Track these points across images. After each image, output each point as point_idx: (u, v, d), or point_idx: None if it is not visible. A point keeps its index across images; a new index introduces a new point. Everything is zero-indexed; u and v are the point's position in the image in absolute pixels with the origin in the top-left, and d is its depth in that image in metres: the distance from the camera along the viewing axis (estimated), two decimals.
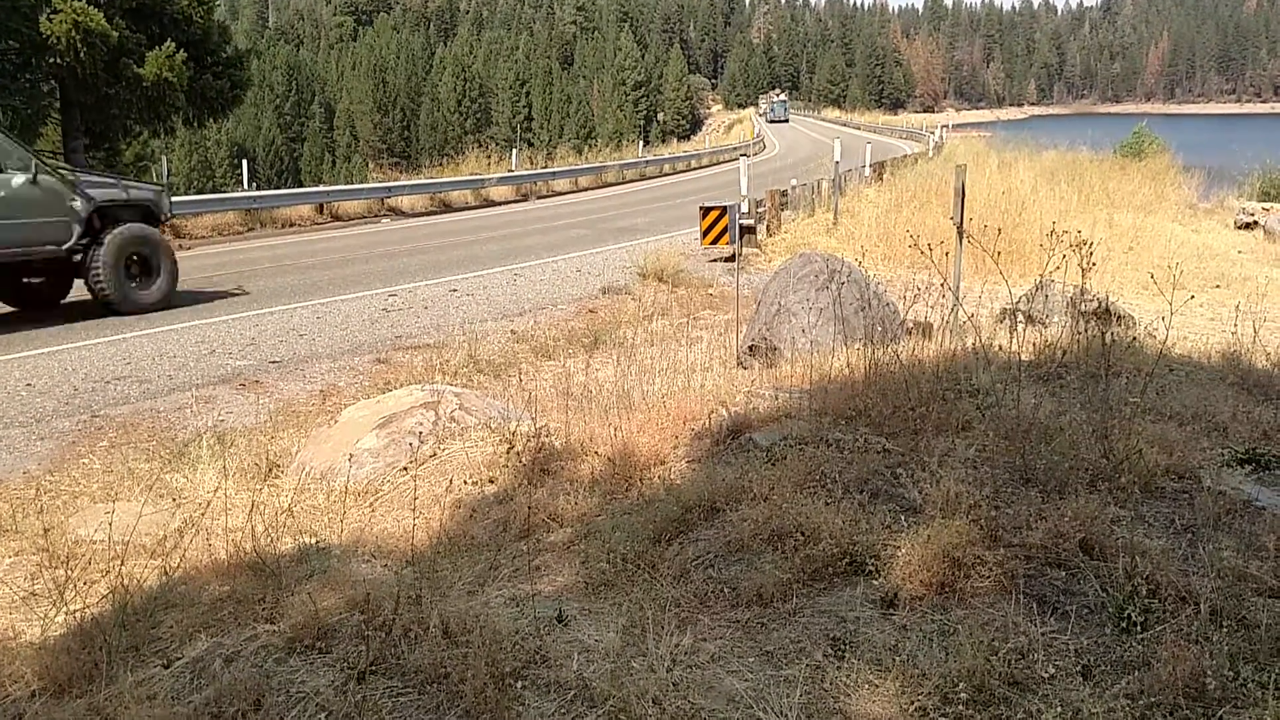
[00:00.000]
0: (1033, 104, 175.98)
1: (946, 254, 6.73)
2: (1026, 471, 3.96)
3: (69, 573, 3.83)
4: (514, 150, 33.07)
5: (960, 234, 7.95)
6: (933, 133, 51.26)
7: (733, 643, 3.07)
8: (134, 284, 10.87)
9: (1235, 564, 3.24)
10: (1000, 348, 5.76)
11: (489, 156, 32.16)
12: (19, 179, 10.11)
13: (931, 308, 6.54)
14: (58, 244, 10.37)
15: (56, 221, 10.37)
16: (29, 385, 7.96)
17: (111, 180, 11.61)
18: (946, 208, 11.24)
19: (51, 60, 20.98)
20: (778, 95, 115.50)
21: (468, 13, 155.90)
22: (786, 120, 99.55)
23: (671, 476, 4.46)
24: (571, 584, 3.59)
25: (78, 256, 10.52)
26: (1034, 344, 6.05)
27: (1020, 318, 7.45)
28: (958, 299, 7.30)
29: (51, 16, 20.12)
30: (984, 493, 3.70)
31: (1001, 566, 3.27)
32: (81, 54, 20.56)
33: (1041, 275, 6.94)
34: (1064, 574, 3.31)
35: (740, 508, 3.80)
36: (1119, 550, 3.28)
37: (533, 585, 3.52)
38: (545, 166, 31.81)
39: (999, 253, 5.80)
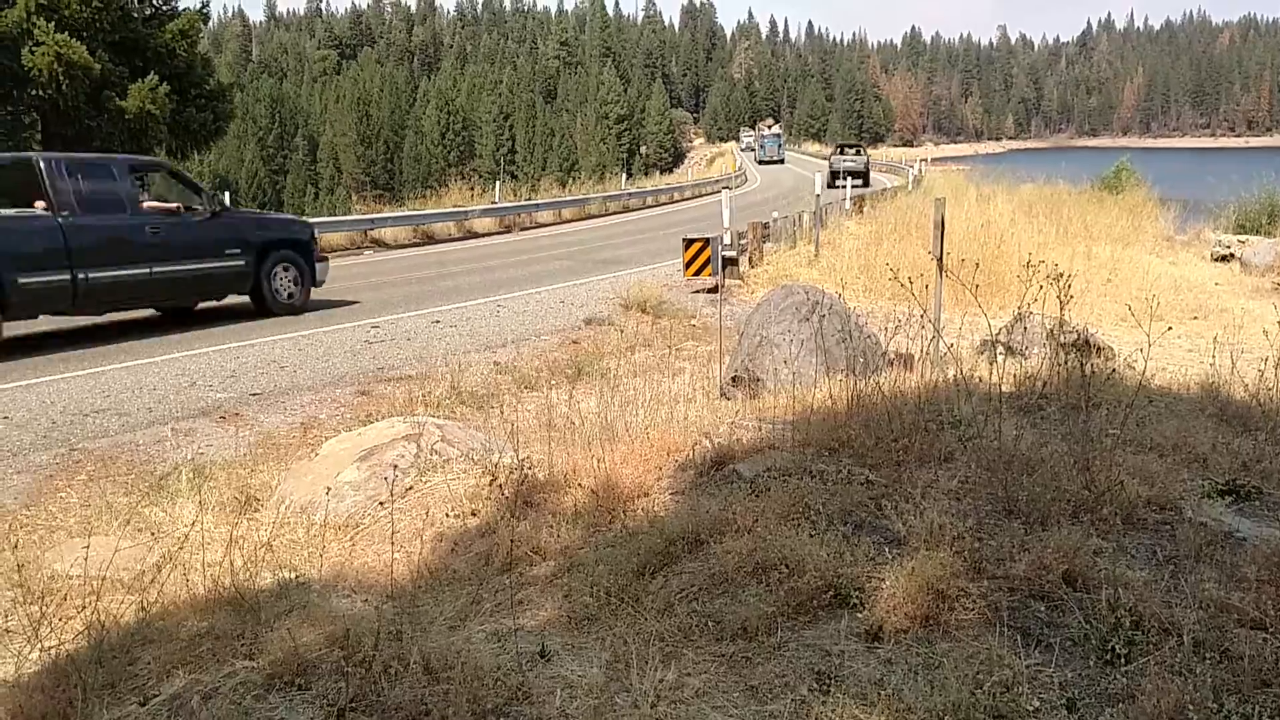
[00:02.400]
0: (1011, 138, 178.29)
1: (926, 286, 6.78)
2: (1009, 503, 3.97)
3: (44, 609, 3.77)
4: (497, 182, 33.17)
5: (940, 266, 8.01)
6: (912, 166, 51.70)
7: (717, 677, 3.05)
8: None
9: (1217, 595, 3.25)
10: (981, 379, 5.79)
11: (472, 189, 32.27)
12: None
13: (912, 339, 6.57)
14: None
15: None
16: (6, 418, 7.88)
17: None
18: (926, 240, 11.32)
19: (33, 93, 21.02)
20: (769, 128, 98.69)
21: (451, 47, 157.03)
22: (782, 160, 77.28)
23: (655, 508, 4.45)
24: (554, 618, 3.56)
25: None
26: (1014, 375, 6.09)
27: (1000, 349, 7.50)
28: (938, 330, 7.35)
29: (34, 49, 20.17)
30: (967, 524, 3.70)
31: (985, 599, 3.27)
32: (64, 86, 20.60)
33: (1020, 307, 6.99)
34: (1047, 606, 3.31)
35: (724, 540, 3.79)
36: (1102, 582, 3.28)
37: (515, 620, 3.49)
38: (528, 199, 31.91)
39: (978, 285, 5.85)
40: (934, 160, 67.64)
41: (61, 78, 20.44)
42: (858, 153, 49.30)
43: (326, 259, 13.87)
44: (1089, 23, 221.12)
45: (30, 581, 4.15)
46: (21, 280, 10.16)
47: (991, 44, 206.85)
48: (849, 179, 32.77)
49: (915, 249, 13.43)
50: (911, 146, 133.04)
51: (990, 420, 4.55)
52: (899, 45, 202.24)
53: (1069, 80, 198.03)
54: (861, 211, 23.30)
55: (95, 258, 10.66)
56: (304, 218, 16.29)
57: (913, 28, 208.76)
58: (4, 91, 21.71)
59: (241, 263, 12.27)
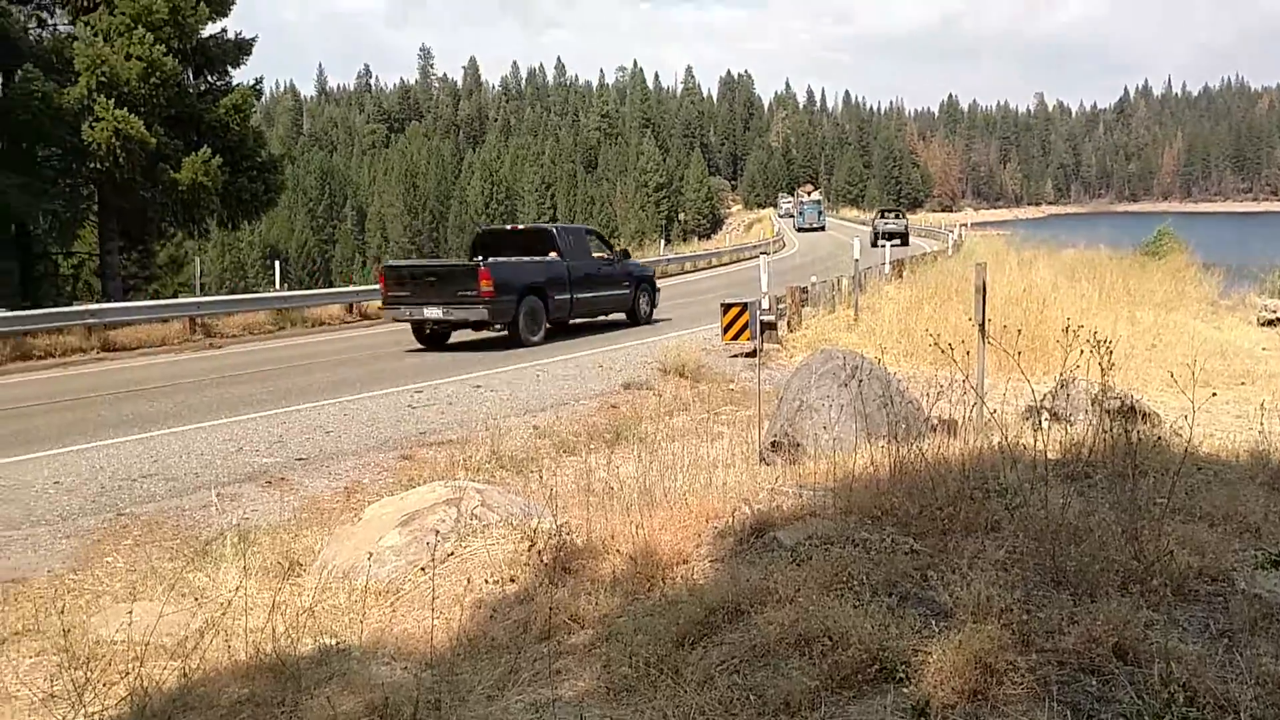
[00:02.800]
0: (1050, 203, 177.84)
1: (968, 351, 6.73)
2: (1057, 573, 3.89)
3: (88, 674, 3.80)
4: None
5: (982, 331, 7.96)
6: (951, 231, 51.71)
7: None
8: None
9: (1275, 670, 3.14)
10: (1026, 446, 5.71)
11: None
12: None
13: (955, 405, 6.51)
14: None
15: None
16: (57, 483, 8.02)
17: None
18: (967, 304, 11.28)
19: (91, 166, 21.74)
20: (809, 194, 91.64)
21: (496, 120, 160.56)
22: (822, 228, 72.80)
23: (694, 576, 4.41)
24: (593, 689, 3.52)
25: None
26: (1060, 442, 5.99)
27: (1045, 415, 7.40)
28: (982, 396, 7.28)
29: (94, 124, 20.90)
30: (1015, 596, 3.63)
31: (1034, 672, 3.19)
32: (121, 160, 21.29)
33: (1064, 373, 6.92)
34: (1098, 680, 3.22)
35: (765, 610, 3.74)
36: (1154, 656, 3.19)
37: (553, 690, 3.46)
38: None
39: (1020, 351, 5.80)
40: (973, 225, 67.62)
41: (119, 151, 21.14)
42: (898, 216, 56.94)
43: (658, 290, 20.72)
44: (1126, 90, 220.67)
45: (75, 646, 4.20)
46: (555, 297, 16.70)
47: (1029, 111, 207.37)
48: (891, 239, 38.90)
49: (956, 313, 13.37)
50: (950, 211, 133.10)
51: (1036, 488, 4.48)
52: (936, 113, 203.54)
53: (1107, 146, 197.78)
54: (901, 276, 23.27)
55: (580, 286, 17.34)
56: (646, 263, 25.70)
57: (949, 95, 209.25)
58: (65, 165, 22.49)
59: (628, 291, 18.94)
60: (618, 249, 20.46)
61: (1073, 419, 7.63)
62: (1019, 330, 7.14)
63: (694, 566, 4.56)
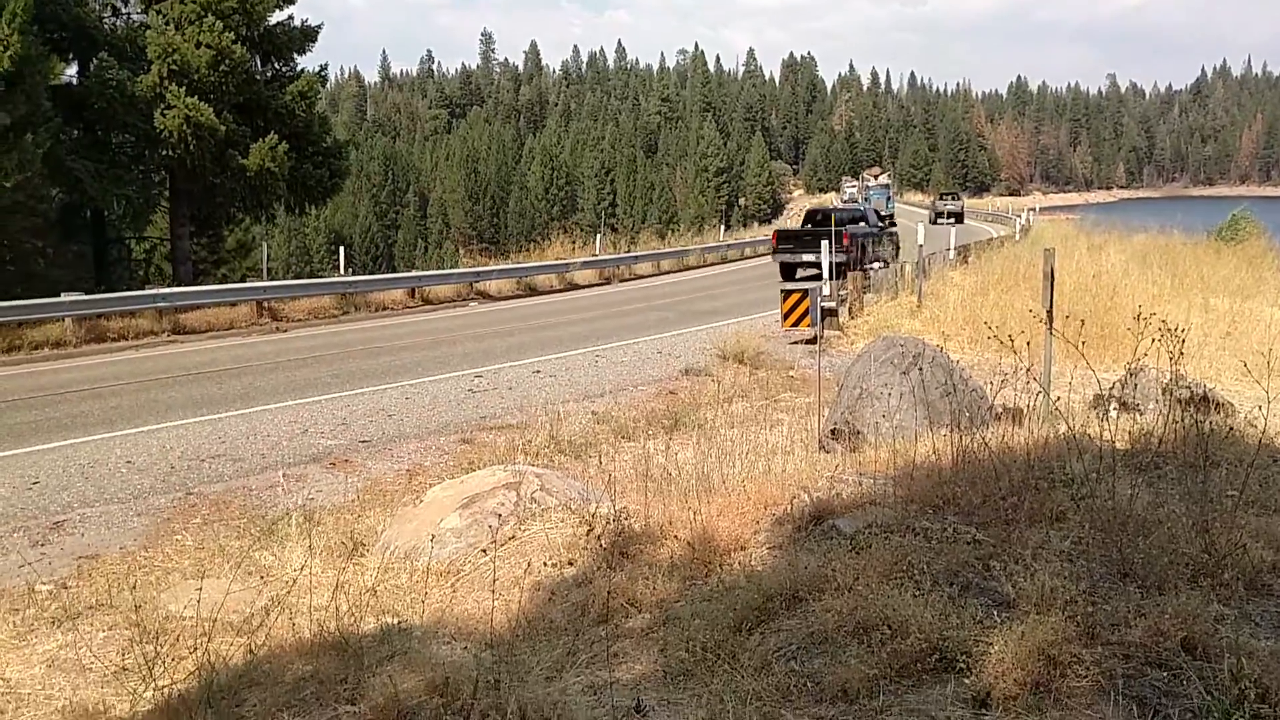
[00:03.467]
0: (1121, 187, 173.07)
1: (1028, 342, 6.58)
2: (1124, 565, 3.80)
3: (158, 649, 3.91)
4: (598, 235, 33.67)
5: (1050, 318, 7.79)
6: (1019, 216, 50.69)
7: None
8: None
9: None
10: (1093, 435, 5.58)
11: (574, 242, 32.82)
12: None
13: (1020, 393, 6.39)
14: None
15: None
16: (129, 462, 8.26)
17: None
18: (1035, 291, 11.04)
19: (163, 152, 22.22)
20: (875, 177, 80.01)
21: (556, 105, 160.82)
22: (891, 214, 63.70)
23: (752, 563, 4.39)
24: (650, 672, 3.53)
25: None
26: (1128, 432, 5.85)
27: (1113, 404, 7.23)
28: (1048, 384, 7.13)
29: (165, 112, 21.36)
30: (1080, 587, 3.55)
31: (1099, 665, 3.12)
32: (191, 146, 21.73)
33: (1132, 360, 6.74)
34: (1165, 675, 3.14)
35: (824, 598, 3.71)
36: (1224, 651, 3.10)
37: (611, 673, 3.47)
38: (628, 251, 32.28)
39: (1087, 338, 5.67)
40: (1042, 209, 66.07)
41: (190, 138, 21.59)
42: (955, 198, 65.05)
43: None
44: (1203, 70, 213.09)
45: (146, 621, 4.33)
46: (868, 248, 24.65)
47: (1101, 92, 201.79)
48: (950, 218, 47.23)
49: (1023, 300, 13.11)
50: (1018, 195, 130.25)
51: (1104, 479, 4.38)
52: (1004, 95, 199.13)
53: (1182, 128, 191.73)
54: (966, 262, 22.87)
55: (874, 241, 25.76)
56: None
57: (1018, 77, 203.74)
58: (137, 151, 23.02)
59: (892, 245, 28.01)
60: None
61: (1142, 408, 7.44)
62: (1082, 321, 6.96)
63: (751, 553, 4.55)
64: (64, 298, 16.69)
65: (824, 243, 17.04)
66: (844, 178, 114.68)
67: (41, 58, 18.45)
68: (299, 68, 25.35)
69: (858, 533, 4.31)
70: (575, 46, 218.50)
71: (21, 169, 17.90)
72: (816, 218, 26.79)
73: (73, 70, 22.55)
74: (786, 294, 14.30)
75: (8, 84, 17.33)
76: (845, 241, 22.76)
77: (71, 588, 5.35)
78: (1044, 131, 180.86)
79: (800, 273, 24.30)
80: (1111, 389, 7.52)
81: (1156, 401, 7.18)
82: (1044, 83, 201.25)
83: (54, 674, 4.19)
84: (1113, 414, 6.63)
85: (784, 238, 26.49)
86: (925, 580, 3.74)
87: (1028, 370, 5.78)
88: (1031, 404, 6.39)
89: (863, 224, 26.29)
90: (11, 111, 17.42)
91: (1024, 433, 5.85)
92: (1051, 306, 7.81)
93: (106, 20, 23.16)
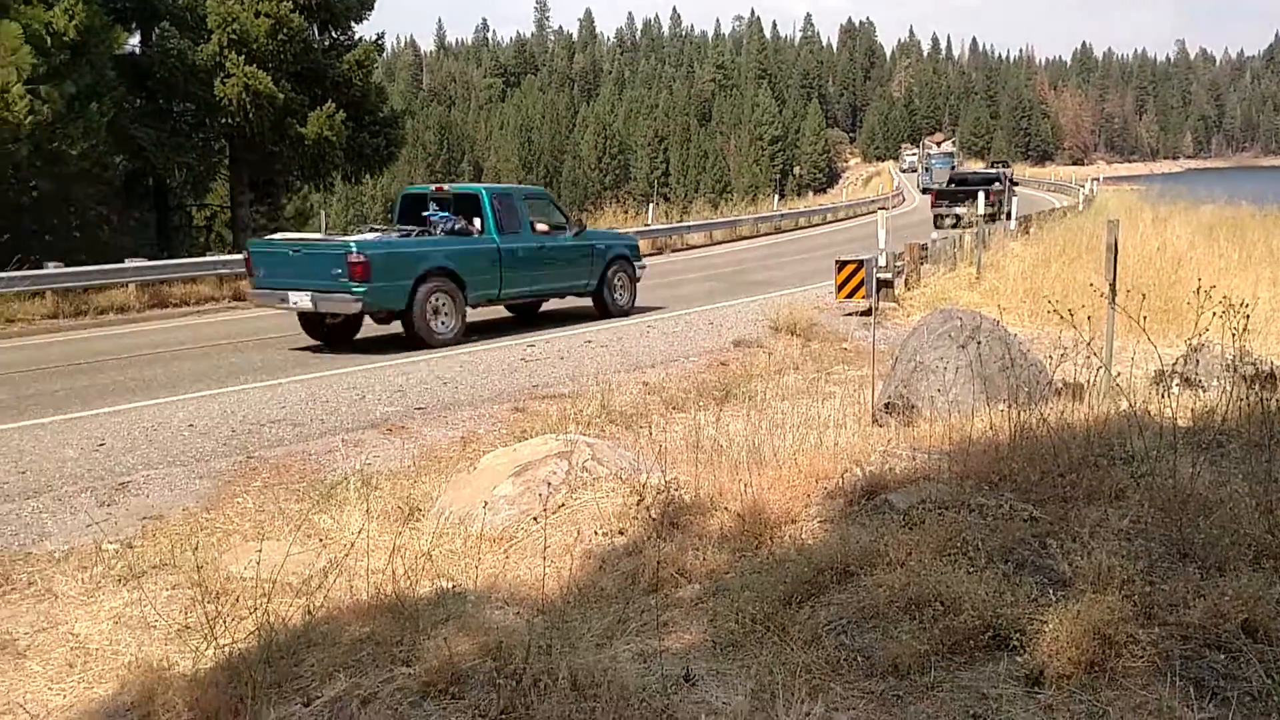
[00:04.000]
0: (1189, 157, 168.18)
1: (1089, 316, 6.44)
2: (1184, 545, 3.73)
3: (219, 608, 4.02)
4: (650, 205, 33.56)
5: (1113, 291, 7.62)
6: (1082, 186, 49.56)
7: (866, 714, 2.97)
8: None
9: None
10: (1155, 412, 5.47)
11: (626, 211, 32.75)
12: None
13: (1080, 368, 6.27)
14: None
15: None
16: (191, 426, 8.45)
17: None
18: (1097, 263, 10.80)
19: (223, 120, 22.58)
20: (938, 144, 76.41)
21: (610, 73, 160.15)
22: None
23: (803, 536, 4.38)
24: (699, 642, 3.55)
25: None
26: (1191, 409, 5.72)
27: (1176, 381, 7.07)
28: (1109, 359, 6.99)
29: (225, 80, 21.67)
30: (1138, 567, 3.50)
31: (1156, 646, 3.08)
32: (250, 114, 22.04)
33: (1195, 336, 6.58)
34: (1224, 657, 3.08)
35: (875, 572, 3.69)
36: None
37: (660, 641, 3.50)
38: (680, 221, 32.15)
39: (1150, 313, 5.54)
40: (1106, 179, 64.33)
41: (249, 106, 21.90)
42: (1005, 165, 63.73)
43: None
44: (1277, 35, 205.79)
45: (208, 581, 4.44)
46: None
47: (1169, 59, 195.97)
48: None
49: (1086, 272, 12.84)
50: (1082, 165, 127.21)
51: (1165, 457, 4.30)
52: (1068, 61, 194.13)
53: (1254, 96, 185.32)
54: (1028, 233, 22.43)
55: None
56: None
57: (1083, 43, 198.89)
58: (197, 119, 23.41)
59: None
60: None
61: (1205, 385, 7.27)
62: (1143, 295, 6.80)
63: (802, 526, 4.54)
64: (128, 264, 17.10)
65: (980, 193, 20.75)
66: (904, 145, 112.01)
67: (106, 28, 18.81)
68: (356, 36, 25.57)
69: (911, 508, 4.28)
70: (629, 13, 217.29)
71: (87, 137, 18.32)
72: (962, 179, 37.33)
73: (135, 40, 22.97)
74: (841, 265, 14.14)
75: (73, 54, 17.70)
76: (991, 198, 28.66)
77: (136, 547, 5.50)
78: (1109, 99, 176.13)
79: (948, 222, 30.71)
80: (1174, 365, 7.35)
81: (1220, 378, 7.01)
82: (1109, 49, 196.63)
83: (120, 630, 4.32)
84: (1175, 391, 6.49)
85: (940, 195, 35.62)
86: (980, 557, 3.71)
87: (1088, 345, 5.67)
88: (1092, 380, 6.27)
89: (996, 184, 34.23)
90: (77, 81, 17.80)
91: (1084, 409, 5.74)
92: (1115, 280, 7.64)
93: None
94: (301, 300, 11.69)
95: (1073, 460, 4.48)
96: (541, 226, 13.73)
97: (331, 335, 12.48)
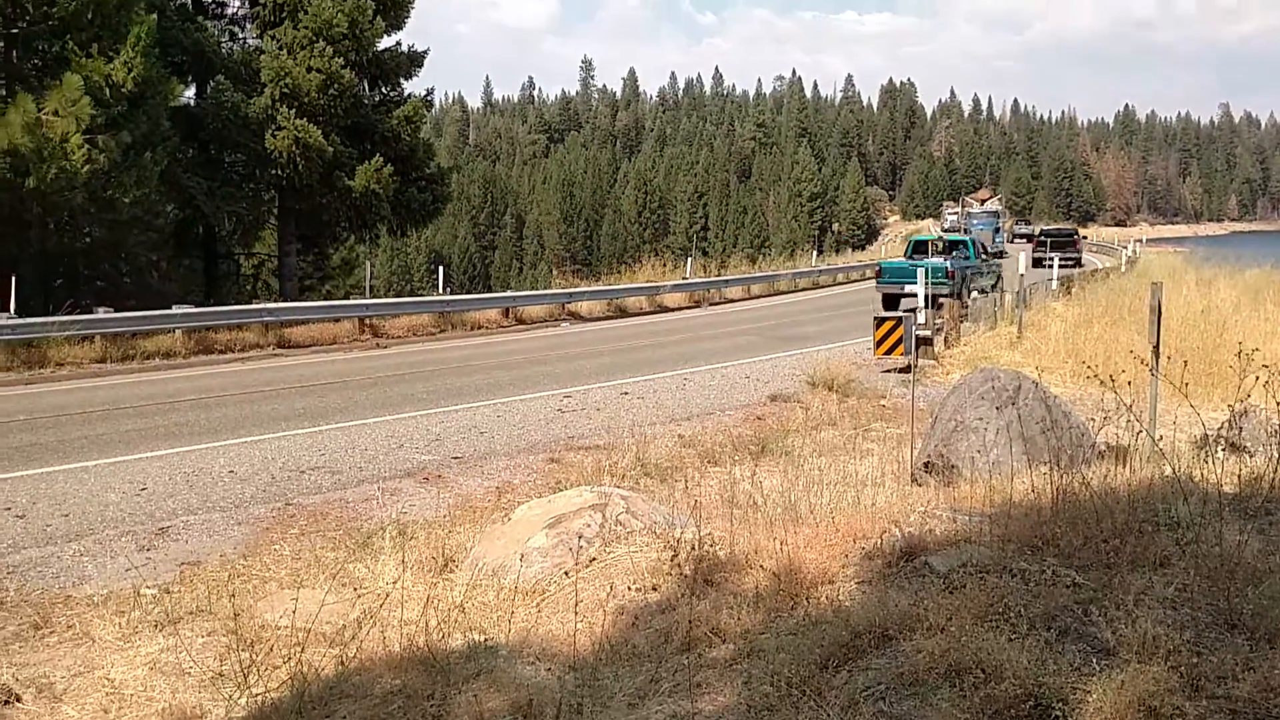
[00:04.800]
0: (1234, 220, 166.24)
1: (1131, 381, 6.35)
2: (1231, 616, 3.63)
3: (254, 656, 4.02)
4: (689, 258, 33.74)
5: (1156, 353, 7.52)
6: (1125, 247, 49.19)
7: None
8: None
9: None
10: (1200, 478, 5.35)
11: (664, 265, 32.92)
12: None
13: (1124, 430, 6.17)
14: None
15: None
16: (232, 472, 8.54)
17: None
18: (1140, 325, 10.67)
19: (273, 172, 23.08)
20: (982, 202, 66.69)
21: (652, 130, 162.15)
22: (1001, 254, 41.29)
23: (840, 598, 4.32)
24: (733, 705, 3.49)
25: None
26: (1237, 475, 5.60)
27: (1221, 446, 6.93)
28: (1152, 422, 6.88)
29: (276, 133, 22.19)
30: (1184, 637, 3.40)
31: None
32: (300, 166, 22.52)
33: (1239, 400, 6.46)
34: None
35: (914, 637, 3.62)
36: None
37: (694, 703, 3.45)
38: (718, 274, 32.27)
39: (1194, 376, 5.45)
40: (1149, 241, 63.78)
41: (299, 159, 22.39)
42: (1026, 223, 74.58)
43: None
44: None
45: (244, 629, 4.46)
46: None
47: (1213, 122, 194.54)
48: (1023, 239, 53.59)
49: (1129, 333, 12.70)
50: (1124, 226, 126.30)
51: (1210, 524, 4.20)
52: (1111, 123, 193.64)
53: None
54: (1070, 293, 22.26)
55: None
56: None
57: (1126, 105, 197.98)
58: (248, 170, 23.96)
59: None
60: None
61: (1251, 451, 7.11)
62: (1185, 361, 6.69)
63: (839, 587, 4.47)
64: (175, 310, 17.42)
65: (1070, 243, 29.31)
66: (945, 203, 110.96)
67: (162, 80, 19.38)
68: (405, 93, 26.12)
69: (951, 571, 4.21)
70: (673, 73, 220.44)
71: (140, 185, 18.79)
72: (1050, 234, 45.09)
73: (191, 92, 23.63)
74: (880, 321, 14.09)
75: (131, 105, 18.25)
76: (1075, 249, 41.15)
77: (174, 593, 5.54)
78: (1152, 161, 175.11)
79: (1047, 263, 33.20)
80: (1219, 429, 7.21)
81: (1266, 444, 6.86)
82: (1153, 111, 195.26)
83: (155, 676, 4.34)
84: (1220, 456, 6.35)
85: (1040, 243, 43.05)
86: (1022, 623, 3.63)
87: (1129, 408, 5.58)
88: (1135, 443, 6.16)
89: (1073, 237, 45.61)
90: (133, 130, 18.32)
91: (1127, 473, 5.64)
92: (1158, 342, 7.55)
93: (224, 45, 24.20)
94: (914, 289, 16.56)
95: (1116, 525, 4.39)
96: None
97: (894, 305, 21.46)
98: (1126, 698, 3.02)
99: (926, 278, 15.86)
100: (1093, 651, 3.48)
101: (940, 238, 30.85)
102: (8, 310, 16.10)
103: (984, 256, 27.28)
